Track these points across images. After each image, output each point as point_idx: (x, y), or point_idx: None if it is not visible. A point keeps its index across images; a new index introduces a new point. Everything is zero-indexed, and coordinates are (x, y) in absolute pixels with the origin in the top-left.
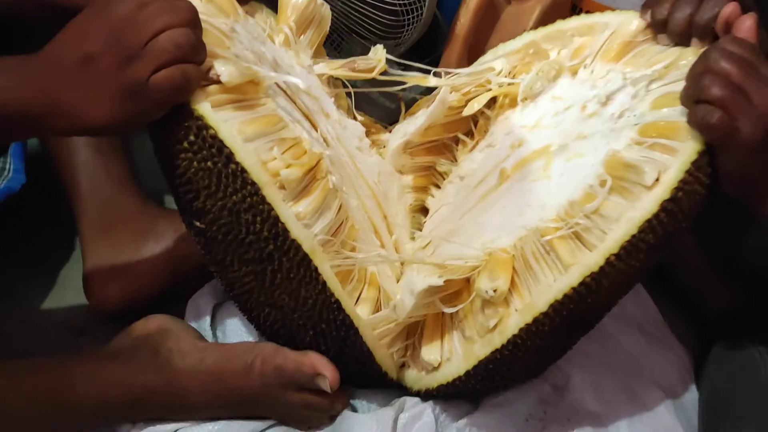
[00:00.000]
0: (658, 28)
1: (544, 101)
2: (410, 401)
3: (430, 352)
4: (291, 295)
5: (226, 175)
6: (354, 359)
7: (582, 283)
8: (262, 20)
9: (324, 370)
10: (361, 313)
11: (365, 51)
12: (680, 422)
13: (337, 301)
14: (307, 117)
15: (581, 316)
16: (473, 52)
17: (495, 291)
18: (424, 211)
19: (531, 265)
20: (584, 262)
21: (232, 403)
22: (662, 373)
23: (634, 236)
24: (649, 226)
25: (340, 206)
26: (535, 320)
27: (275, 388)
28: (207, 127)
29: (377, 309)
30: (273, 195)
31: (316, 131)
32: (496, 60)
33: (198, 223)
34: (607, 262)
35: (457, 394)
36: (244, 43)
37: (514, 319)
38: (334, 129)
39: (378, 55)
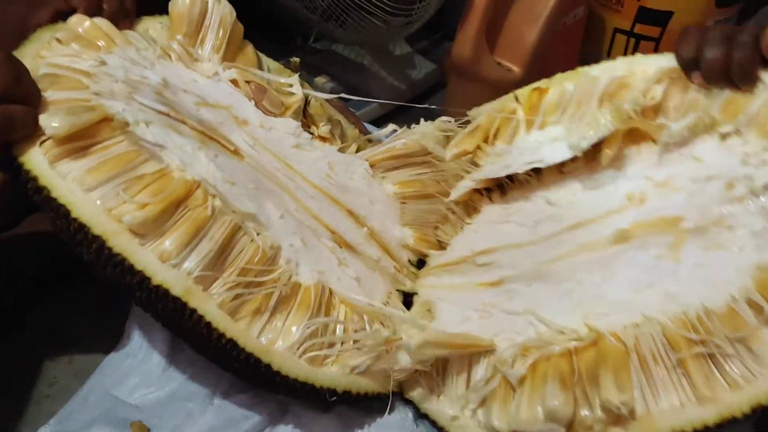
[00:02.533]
0: None
1: (682, 158)
2: None
3: (500, 419)
4: (191, 338)
5: (74, 232)
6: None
7: (718, 425)
8: (161, 34)
9: None
10: (284, 341)
11: (373, 29)
12: None
13: (231, 341)
14: (206, 134)
15: None
16: (492, 27)
17: (625, 405)
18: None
19: (650, 368)
20: (726, 402)
21: None
22: None
23: None
24: None
25: (235, 231)
26: None
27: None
28: (42, 188)
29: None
30: (123, 244)
31: (224, 145)
32: (656, 86)
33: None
34: (753, 409)
35: None
36: (117, 74)
37: None
38: (255, 135)
39: (295, 89)
